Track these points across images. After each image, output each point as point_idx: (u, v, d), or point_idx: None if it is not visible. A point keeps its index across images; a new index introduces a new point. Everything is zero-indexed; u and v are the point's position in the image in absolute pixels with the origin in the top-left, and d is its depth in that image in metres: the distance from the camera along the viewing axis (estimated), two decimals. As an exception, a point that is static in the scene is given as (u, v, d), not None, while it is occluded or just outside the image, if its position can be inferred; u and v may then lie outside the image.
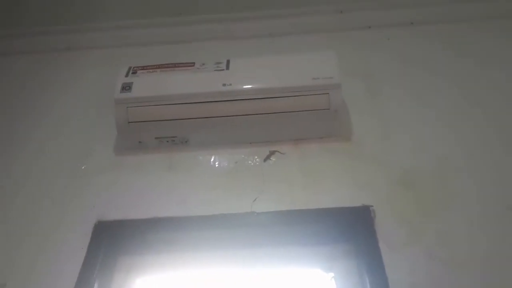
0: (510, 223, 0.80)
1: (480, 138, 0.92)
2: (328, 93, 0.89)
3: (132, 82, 0.92)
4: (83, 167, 0.94)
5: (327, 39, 1.16)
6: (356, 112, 0.98)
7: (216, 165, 0.92)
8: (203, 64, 0.94)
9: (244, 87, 0.91)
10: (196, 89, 0.91)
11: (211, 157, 0.93)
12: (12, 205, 0.89)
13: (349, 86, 0.94)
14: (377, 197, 0.84)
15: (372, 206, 0.82)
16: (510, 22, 1.14)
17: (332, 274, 0.81)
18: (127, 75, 0.93)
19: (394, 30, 1.16)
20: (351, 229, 0.81)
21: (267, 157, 0.92)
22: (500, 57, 1.07)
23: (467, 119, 0.96)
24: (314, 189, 0.87)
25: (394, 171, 0.88)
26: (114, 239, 0.83)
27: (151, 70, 0.94)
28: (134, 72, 0.94)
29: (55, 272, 0.79)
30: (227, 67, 0.93)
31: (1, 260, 0.82)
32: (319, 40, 1.16)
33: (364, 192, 0.85)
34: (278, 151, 0.93)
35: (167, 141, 0.94)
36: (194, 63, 0.95)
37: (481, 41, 1.11)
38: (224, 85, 0.90)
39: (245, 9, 1.19)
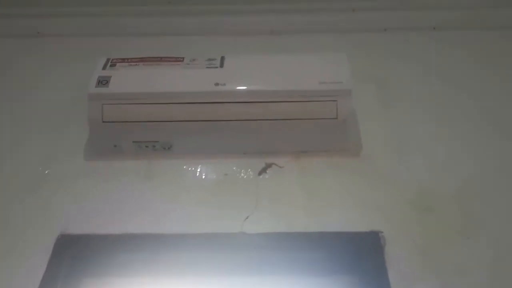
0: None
1: (505, 160, 0.93)
2: (336, 100, 0.89)
3: (110, 76, 0.91)
4: (46, 172, 0.92)
5: (336, 39, 1.16)
6: (368, 123, 0.98)
7: (203, 177, 0.92)
8: (194, 59, 0.94)
9: (240, 88, 0.90)
10: (183, 88, 0.90)
11: (197, 167, 0.93)
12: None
13: (360, 94, 0.95)
14: (388, 222, 0.84)
15: (382, 232, 0.82)
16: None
17: (333, 310, 0.82)
18: (104, 68, 0.92)
19: (413, 35, 1.18)
20: (358, 257, 0.81)
21: (263, 171, 0.92)
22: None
23: (492, 138, 0.96)
24: (316, 209, 0.86)
25: (408, 193, 0.88)
26: (78, 256, 0.81)
27: (132, 64, 0.93)
28: (113, 65, 0.93)
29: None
30: (221, 65, 0.92)
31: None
32: (328, 41, 1.16)
33: (373, 216, 0.85)
34: (276, 164, 0.92)
35: (147, 146, 0.93)
36: (183, 58, 0.94)
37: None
38: (216, 84, 0.89)
39: (245, 1, 1.20)
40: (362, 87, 0.99)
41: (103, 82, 0.90)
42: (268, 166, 0.92)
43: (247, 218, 0.84)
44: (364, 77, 1.05)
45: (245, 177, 0.91)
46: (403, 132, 0.97)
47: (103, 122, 0.90)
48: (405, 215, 0.85)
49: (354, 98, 0.89)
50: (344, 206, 0.86)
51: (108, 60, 0.94)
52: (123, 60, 0.94)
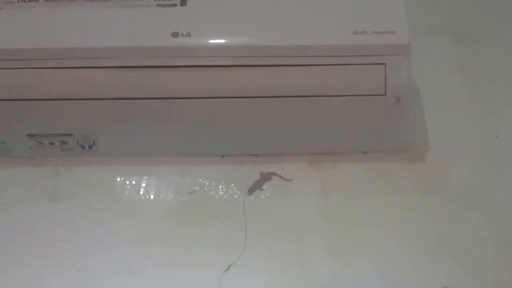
0: None
1: None
2: (384, 64, 0.92)
3: (-13, 20, 0.93)
4: None
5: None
6: (439, 106, 1.03)
7: (151, 197, 0.96)
8: (136, -8, 0.95)
9: (215, 41, 0.93)
10: (117, 41, 0.93)
11: (142, 180, 0.97)
12: None
13: (427, 55, 1.00)
14: (472, 273, 0.86)
15: (460, 290, 0.83)
16: None
17: None
18: (-25, 7, 0.94)
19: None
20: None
21: (256, 186, 0.96)
22: None
23: None
24: (349, 252, 0.89)
25: (508, 223, 0.92)
26: None
27: None
28: (-9, 2, 0.94)
29: None
30: (183, 1, 0.95)
31: None
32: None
33: (449, 263, 0.87)
34: (279, 175, 0.97)
35: (52, 143, 0.97)
36: (116, -11, 0.96)
37: None
38: (175, 35, 0.92)
39: None
40: (430, 43, 1.05)
41: (-27, 31, 0.92)
42: (266, 178, 0.97)
43: (229, 268, 0.87)
44: (433, 26, 1.11)
45: (225, 197, 0.95)
46: (501, 122, 1.03)
47: (-25, 101, 0.91)
48: (502, 261, 0.88)
49: (416, 60, 0.92)
50: (397, 246, 0.90)
51: (-18, -8, 0.95)
52: (9, -7, 0.95)
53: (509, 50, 1.12)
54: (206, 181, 0.96)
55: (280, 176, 0.96)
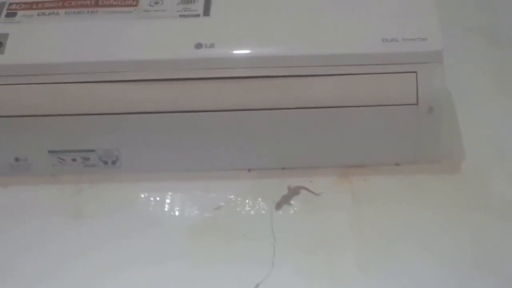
0: None
1: None
2: (415, 72, 0.91)
3: (6, 35, 0.94)
4: None
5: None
6: (473, 112, 1.02)
7: (176, 214, 0.95)
8: (157, 2, 0.97)
9: (240, 52, 0.93)
10: (139, 54, 0.93)
11: (166, 196, 0.97)
12: None
13: (460, 59, 0.98)
14: None
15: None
16: None
17: None
18: (-3, 19, 0.95)
19: None
20: None
21: (284, 201, 0.95)
22: None
23: None
24: (384, 270, 0.87)
25: None
26: None
27: (47, 12, 0.96)
28: (12, 14, 0.96)
29: None
30: (206, 11, 0.96)
31: None
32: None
33: (488, 279, 0.85)
34: (308, 189, 0.96)
35: (74, 160, 0.97)
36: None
37: None
38: (198, 46, 0.92)
39: None
40: (463, 47, 1.04)
41: (-7, 44, 0.92)
42: (294, 192, 0.95)
43: (257, 287, 0.85)
44: (466, 27, 1.10)
45: (252, 212, 0.94)
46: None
47: (-5, 117, 0.91)
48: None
49: (449, 66, 0.91)
50: (432, 262, 0.87)
51: (2, 5, 0.97)
52: (29, 4, 0.97)
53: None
54: (232, 196, 0.95)
55: (309, 190, 0.95)
